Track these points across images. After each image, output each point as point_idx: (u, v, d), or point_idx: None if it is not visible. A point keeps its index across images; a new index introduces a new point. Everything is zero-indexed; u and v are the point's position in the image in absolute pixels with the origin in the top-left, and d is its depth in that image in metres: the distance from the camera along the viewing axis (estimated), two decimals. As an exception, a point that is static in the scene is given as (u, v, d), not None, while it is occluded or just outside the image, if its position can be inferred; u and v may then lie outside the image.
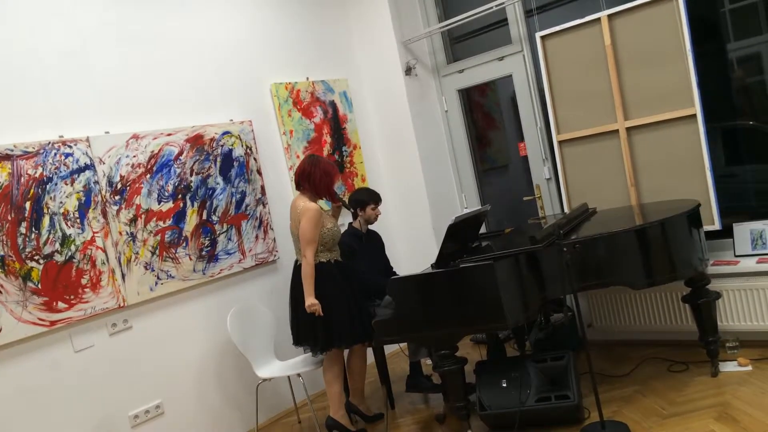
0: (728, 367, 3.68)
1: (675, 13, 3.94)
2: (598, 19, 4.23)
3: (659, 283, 3.51)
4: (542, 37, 4.50)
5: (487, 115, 5.77)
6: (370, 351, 4.58)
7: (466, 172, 5.57)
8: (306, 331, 3.76)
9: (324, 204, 4.23)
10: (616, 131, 4.29)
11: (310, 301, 3.62)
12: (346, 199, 4.30)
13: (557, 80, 4.52)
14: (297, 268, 3.81)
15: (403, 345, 4.71)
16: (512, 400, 3.46)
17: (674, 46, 3.98)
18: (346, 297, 3.76)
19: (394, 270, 4.59)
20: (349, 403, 4.09)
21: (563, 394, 3.38)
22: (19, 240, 3.36)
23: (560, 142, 4.56)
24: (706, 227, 3.89)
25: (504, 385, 3.51)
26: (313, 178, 3.78)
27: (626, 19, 4.16)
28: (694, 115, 3.96)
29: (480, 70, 5.28)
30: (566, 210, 4.62)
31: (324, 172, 3.80)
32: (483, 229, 4.99)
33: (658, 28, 4.02)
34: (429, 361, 4.39)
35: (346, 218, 4.55)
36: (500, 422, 3.51)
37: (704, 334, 3.66)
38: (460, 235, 3.79)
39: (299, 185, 3.85)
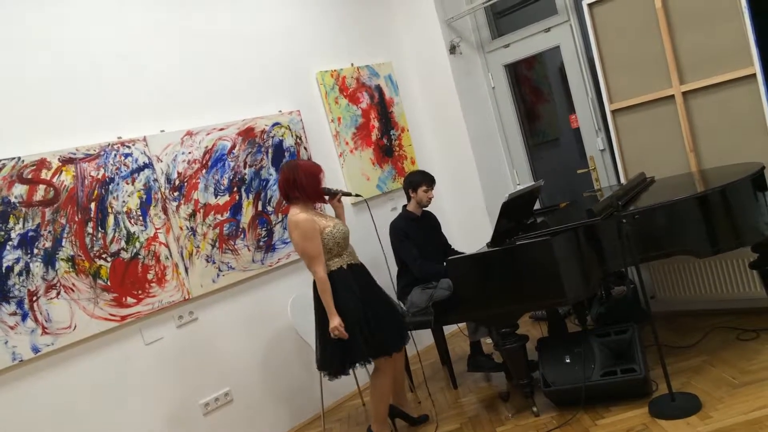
0: (801, 332, 3.56)
1: (729, -31, 3.78)
2: (648, -18, 4.10)
3: (724, 251, 3.41)
4: (590, 5, 4.39)
5: (535, 89, 5.68)
6: (425, 336, 4.59)
7: (517, 148, 5.50)
8: (324, 352, 3.42)
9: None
10: (672, 96, 4.17)
11: (335, 322, 3.25)
12: (344, 189, 4.04)
13: (607, 48, 4.40)
14: (314, 284, 3.42)
15: (462, 325, 4.71)
16: (576, 376, 3.42)
17: (729, 4, 3.82)
18: (363, 310, 3.35)
19: (453, 248, 4.58)
20: (392, 406, 3.75)
21: (629, 368, 3.32)
22: (87, 240, 3.49)
23: (613, 112, 4.46)
24: (773, 190, 3.76)
25: (567, 360, 3.48)
26: (300, 183, 3.38)
27: (677, -21, 4.02)
28: (754, 75, 3.81)
29: (526, 43, 5.20)
30: (623, 181, 4.52)
31: (307, 173, 3.42)
32: (537, 205, 4.94)
33: (711, -15, 3.88)
34: (489, 340, 4.39)
35: (401, 200, 4.55)
36: (565, 398, 3.48)
37: (775, 300, 3.55)
38: (514, 213, 3.76)
39: (288, 197, 3.45)
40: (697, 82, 4.05)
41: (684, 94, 4.11)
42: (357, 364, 3.37)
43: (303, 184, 3.40)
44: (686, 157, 4.19)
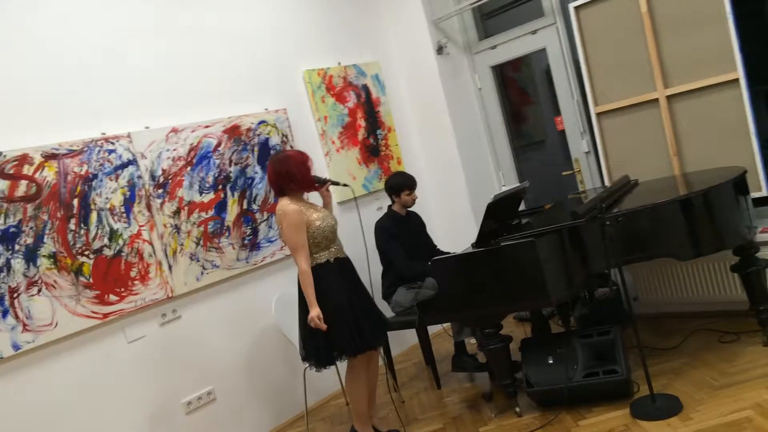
0: (781, 335, 3.60)
1: (713, -26, 3.82)
2: (633, -14, 4.13)
3: (706, 254, 3.45)
4: (576, 8, 4.42)
5: (521, 91, 5.70)
6: (405, 338, 4.58)
7: (503, 149, 5.52)
8: (309, 344, 3.39)
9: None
10: (656, 100, 4.20)
11: (314, 312, 3.23)
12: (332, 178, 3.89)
13: (593, 51, 4.44)
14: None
15: (447, 325, 4.72)
16: (559, 377, 3.44)
17: (713, 9, 3.86)
18: (349, 303, 3.35)
19: (438, 248, 4.59)
20: (353, 429, 3.66)
21: (611, 369, 3.35)
22: (69, 236, 3.46)
23: (598, 114, 4.49)
24: (754, 194, 3.80)
25: (550, 361, 3.50)
26: (293, 174, 3.35)
27: (662, -16, 4.05)
28: (737, 80, 3.85)
29: (513, 45, 5.22)
30: (607, 183, 4.55)
31: (298, 162, 3.38)
32: (522, 207, 4.96)
33: (696, -9, 3.91)
34: (473, 341, 4.40)
35: (386, 200, 4.56)
36: (548, 399, 3.50)
37: (755, 303, 3.58)
38: (499, 214, 3.77)
39: (282, 191, 3.41)
40: (682, 86, 4.09)
41: (668, 97, 4.15)
42: (344, 356, 3.37)
43: (296, 174, 3.36)
44: (669, 161, 4.23)
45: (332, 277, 3.36)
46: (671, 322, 4.26)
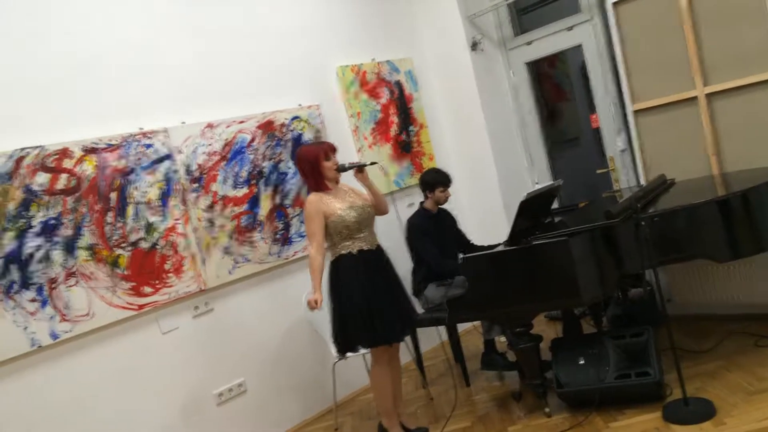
0: (820, 341, 3.51)
1: (756, -31, 3.73)
2: (673, -19, 4.05)
3: (744, 256, 3.39)
4: (614, 4, 4.34)
5: (556, 87, 5.65)
6: (435, 335, 4.56)
7: (536, 146, 5.47)
8: (333, 328, 3.43)
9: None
10: (695, 98, 4.12)
11: (313, 296, 3.24)
12: (358, 161, 3.88)
13: (631, 47, 4.36)
14: (330, 265, 3.45)
15: (477, 323, 4.71)
16: (590, 378, 3.41)
17: (755, 5, 3.76)
18: (364, 297, 3.32)
19: (472, 242, 4.58)
20: (381, 425, 3.66)
21: (644, 371, 3.31)
22: (107, 229, 3.53)
23: (635, 112, 4.41)
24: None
25: (581, 362, 3.47)
26: (306, 171, 3.42)
27: (703, -21, 3.97)
28: (780, 78, 3.76)
29: (548, 41, 5.16)
30: (642, 182, 4.48)
31: (305, 159, 3.41)
32: (555, 205, 4.91)
33: (738, -14, 3.82)
34: (503, 339, 4.38)
35: (418, 196, 4.56)
36: (578, 399, 3.47)
37: (794, 307, 3.50)
38: (532, 212, 3.75)
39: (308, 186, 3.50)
40: (721, 84, 4.00)
41: (707, 96, 4.06)
42: (359, 347, 3.42)
43: (308, 171, 3.42)
44: (708, 160, 4.14)
45: (351, 271, 3.36)
46: (706, 324, 4.19)
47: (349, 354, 3.53)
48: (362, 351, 3.54)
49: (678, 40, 4.11)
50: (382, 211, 3.60)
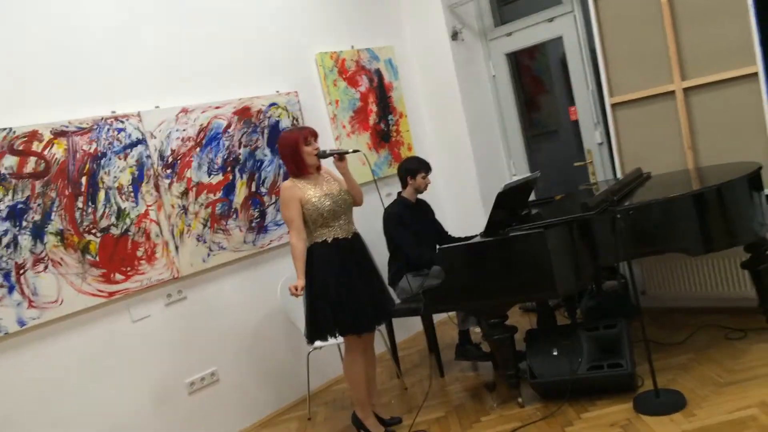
0: (790, 334, 3.56)
1: (736, -35, 3.74)
2: (654, -26, 4.06)
3: (717, 250, 3.42)
4: (594, -4, 4.34)
5: (536, 79, 5.64)
6: (410, 325, 4.54)
7: (515, 138, 5.47)
8: (306, 317, 3.42)
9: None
10: (673, 92, 4.14)
11: (297, 282, 3.23)
12: (337, 149, 3.72)
13: (610, 40, 4.37)
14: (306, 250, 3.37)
15: (452, 313, 4.70)
16: (563, 369, 3.42)
17: (734, 1, 3.78)
18: (336, 286, 3.29)
19: (448, 234, 4.57)
20: (354, 415, 3.61)
21: (616, 363, 3.32)
22: (77, 214, 3.46)
23: (613, 105, 4.43)
24: (768, 191, 3.74)
25: (555, 353, 3.48)
26: (286, 156, 3.39)
27: (683, -26, 3.97)
28: (756, 74, 3.78)
29: (529, 32, 5.15)
30: (619, 175, 4.50)
31: (286, 144, 3.37)
32: (533, 197, 4.92)
33: (718, -19, 3.84)
34: (478, 329, 4.38)
35: (396, 186, 4.53)
36: (551, 390, 3.49)
37: (764, 301, 3.55)
38: (509, 203, 3.74)
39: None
40: (699, 78, 4.02)
41: (685, 90, 4.09)
42: (329, 336, 3.37)
43: (285, 156, 3.41)
44: (684, 155, 4.17)
45: (324, 258, 3.32)
46: (679, 317, 4.23)
47: (318, 343, 3.50)
48: (332, 341, 3.50)
49: (657, 34, 4.12)
50: (356, 202, 3.56)
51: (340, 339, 3.50)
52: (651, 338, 3.92)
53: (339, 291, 3.29)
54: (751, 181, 3.39)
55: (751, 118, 3.85)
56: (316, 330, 3.35)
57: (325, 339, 3.42)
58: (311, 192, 3.34)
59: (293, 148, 3.36)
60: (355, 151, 3.55)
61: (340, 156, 3.45)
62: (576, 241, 3.34)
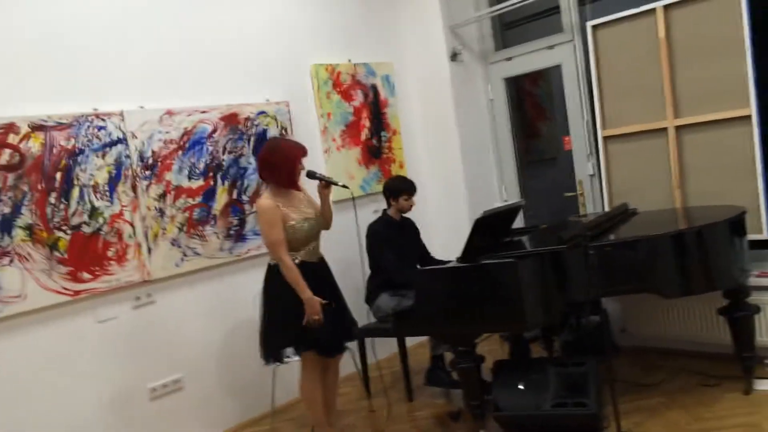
0: (763, 385, 3.46)
1: (735, 5, 3.67)
2: (654, 10, 4.00)
3: (694, 293, 3.34)
4: (593, 27, 4.29)
5: (538, 106, 5.59)
6: (387, 346, 4.48)
7: (509, 163, 5.40)
8: (260, 335, 3.43)
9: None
10: (665, 129, 4.06)
11: (314, 300, 3.24)
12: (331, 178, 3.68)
13: (606, 72, 4.31)
14: (268, 269, 3.41)
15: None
16: (528, 403, 3.33)
17: (732, 42, 3.71)
18: (298, 308, 3.25)
19: (432, 255, 4.51)
20: None
21: (580, 402, 3.23)
22: (48, 210, 3.43)
23: (605, 138, 4.36)
24: (754, 236, 3.65)
25: (520, 387, 3.39)
26: (278, 164, 3.31)
27: (683, 11, 3.92)
28: (749, 116, 3.70)
29: (528, 58, 5.10)
30: (607, 209, 4.42)
31: (284, 156, 3.32)
32: (521, 224, 4.85)
33: (716, 21, 3.77)
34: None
35: (383, 203, 4.47)
36: (514, 424, 3.39)
37: (740, 350, 3.45)
38: (490, 230, 3.67)
39: (261, 177, 3.45)
40: (692, 117, 3.95)
41: (677, 128, 4.01)
42: (289, 354, 3.33)
43: (279, 167, 3.32)
44: (672, 193, 4.08)
45: (288, 282, 3.28)
46: (656, 357, 4.14)
47: (274, 363, 3.42)
48: (287, 360, 3.43)
49: (653, 70, 4.06)
50: (326, 227, 3.56)
51: (296, 358, 3.42)
52: (624, 378, 3.85)
53: (299, 312, 3.25)
54: (733, 225, 3.30)
55: (740, 161, 3.77)
56: (271, 348, 3.31)
57: (279, 358, 3.35)
58: (292, 215, 3.31)
59: (292, 162, 3.34)
60: (344, 187, 3.59)
61: (326, 183, 3.45)
62: (547, 274, 3.27)
